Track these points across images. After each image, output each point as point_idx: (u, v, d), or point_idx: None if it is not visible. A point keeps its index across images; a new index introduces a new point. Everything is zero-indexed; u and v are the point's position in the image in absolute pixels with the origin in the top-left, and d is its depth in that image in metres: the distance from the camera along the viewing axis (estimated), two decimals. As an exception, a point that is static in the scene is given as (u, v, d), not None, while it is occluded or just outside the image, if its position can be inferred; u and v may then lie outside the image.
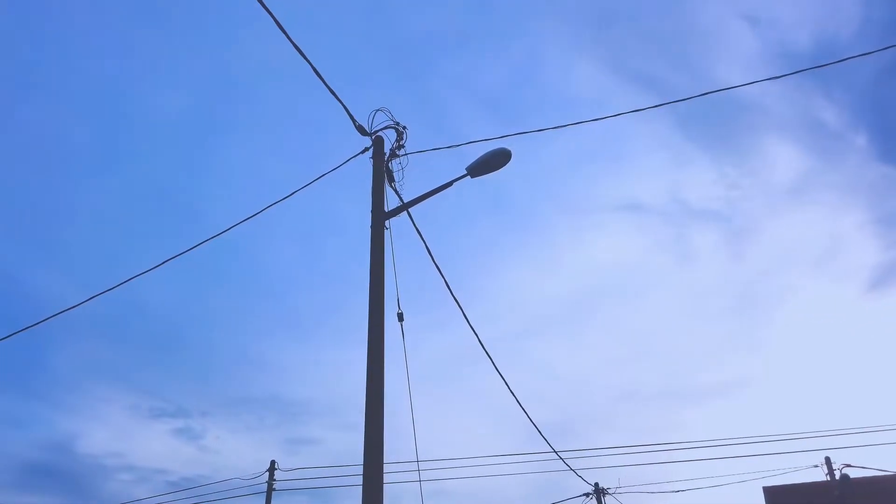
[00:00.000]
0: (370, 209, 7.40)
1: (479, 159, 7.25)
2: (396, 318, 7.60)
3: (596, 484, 21.82)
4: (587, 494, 21.61)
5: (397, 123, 7.81)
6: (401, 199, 7.81)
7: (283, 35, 6.30)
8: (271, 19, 6.06)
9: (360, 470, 5.99)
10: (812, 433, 21.33)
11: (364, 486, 5.82)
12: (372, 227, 7.25)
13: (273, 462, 17.49)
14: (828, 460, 18.35)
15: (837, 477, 17.60)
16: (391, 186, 7.88)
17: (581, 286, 55.48)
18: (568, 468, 16.41)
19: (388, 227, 7.37)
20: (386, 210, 7.43)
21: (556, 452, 15.25)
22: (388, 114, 7.73)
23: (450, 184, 7.36)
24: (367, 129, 7.68)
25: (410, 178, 8.02)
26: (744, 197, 51.77)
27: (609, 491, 21.84)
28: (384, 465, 6.02)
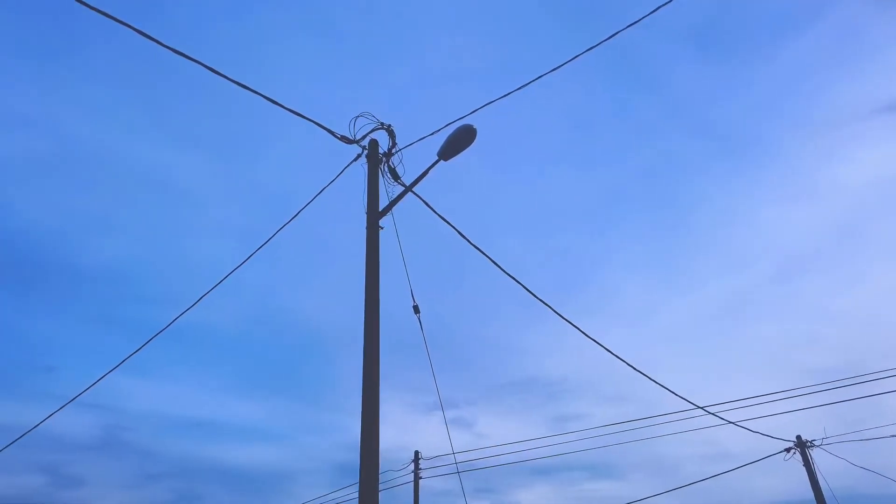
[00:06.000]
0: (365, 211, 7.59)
1: (446, 141, 7.10)
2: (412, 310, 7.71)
3: (798, 437, 19.59)
4: (788, 450, 19.49)
5: (382, 124, 7.90)
6: (405, 185, 7.88)
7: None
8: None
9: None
10: None
11: (360, 487, 6.05)
12: (367, 227, 7.44)
13: (417, 453, 18.28)
14: None
15: None
16: (399, 182, 8.01)
17: (843, 211, 48.11)
18: (725, 421, 15.02)
19: (382, 227, 7.50)
20: (380, 210, 7.58)
21: (702, 409, 14.10)
22: (369, 117, 7.86)
23: (426, 172, 7.30)
24: (351, 137, 7.87)
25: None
26: None
27: (815, 443, 19.49)
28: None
